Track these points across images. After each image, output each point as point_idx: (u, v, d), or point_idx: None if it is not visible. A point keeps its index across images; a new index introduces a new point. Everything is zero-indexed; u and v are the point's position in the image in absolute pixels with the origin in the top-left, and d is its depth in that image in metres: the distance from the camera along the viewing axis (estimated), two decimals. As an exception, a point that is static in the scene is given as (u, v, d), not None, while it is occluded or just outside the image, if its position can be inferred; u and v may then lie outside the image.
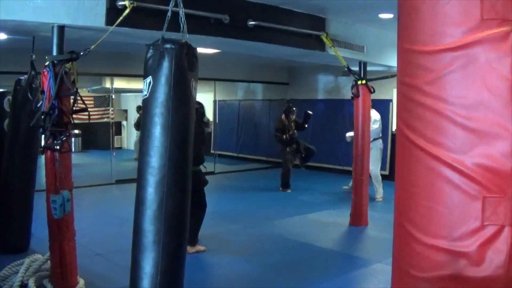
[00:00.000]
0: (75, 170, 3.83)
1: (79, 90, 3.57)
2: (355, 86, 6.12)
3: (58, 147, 3.48)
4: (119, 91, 11.79)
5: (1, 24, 3.67)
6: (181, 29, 2.90)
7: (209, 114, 12.81)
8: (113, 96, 10.32)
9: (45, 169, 3.64)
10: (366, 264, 4.66)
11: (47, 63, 3.56)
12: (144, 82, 2.82)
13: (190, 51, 2.80)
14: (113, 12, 3.77)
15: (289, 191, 8.51)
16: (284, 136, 8.45)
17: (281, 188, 8.62)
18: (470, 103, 1.57)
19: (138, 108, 10.48)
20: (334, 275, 4.42)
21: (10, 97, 4.90)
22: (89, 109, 3.74)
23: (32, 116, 3.70)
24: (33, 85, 4.47)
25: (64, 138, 3.49)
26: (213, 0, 4.61)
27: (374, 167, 7.29)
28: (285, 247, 5.24)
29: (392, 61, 6.67)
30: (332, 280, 4.31)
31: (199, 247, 4.99)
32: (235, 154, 12.74)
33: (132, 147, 10.95)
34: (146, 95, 2.80)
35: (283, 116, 8.64)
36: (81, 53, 3.51)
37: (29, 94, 4.43)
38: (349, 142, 7.63)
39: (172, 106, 2.73)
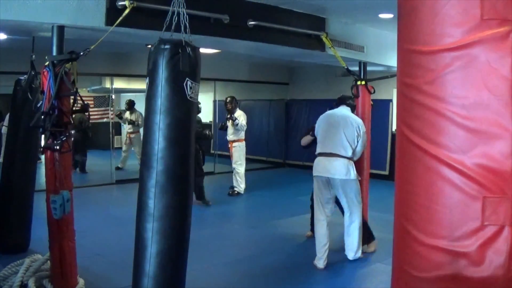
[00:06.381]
0: (75, 170, 3.84)
1: (79, 90, 3.57)
2: (354, 86, 6.12)
3: (58, 147, 3.48)
4: (119, 91, 11.75)
5: (1, 24, 3.67)
6: (182, 29, 2.89)
7: (209, 114, 12.83)
8: (113, 96, 10.31)
9: (45, 169, 3.64)
10: (366, 264, 4.66)
11: (47, 63, 3.55)
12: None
13: (185, 50, 2.76)
14: (113, 12, 3.77)
15: None
16: None
17: None
18: (470, 103, 1.57)
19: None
20: (334, 275, 4.42)
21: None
22: (89, 109, 3.75)
23: (32, 116, 3.69)
24: (33, 85, 4.46)
25: (64, 138, 3.49)
26: (213, 0, 4.60)
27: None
28: (285, 247, 5.24)
29: (392, 61, 6.66)
30: (333, 280, 4.31)
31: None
32: (235, 154, 12.71)
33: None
34: (145, 95, 2.84)
35: None
36: (81, 53, 3.51)
37: (29, 94, 4.42)
38: None
39: (163, 106, 2.74)
